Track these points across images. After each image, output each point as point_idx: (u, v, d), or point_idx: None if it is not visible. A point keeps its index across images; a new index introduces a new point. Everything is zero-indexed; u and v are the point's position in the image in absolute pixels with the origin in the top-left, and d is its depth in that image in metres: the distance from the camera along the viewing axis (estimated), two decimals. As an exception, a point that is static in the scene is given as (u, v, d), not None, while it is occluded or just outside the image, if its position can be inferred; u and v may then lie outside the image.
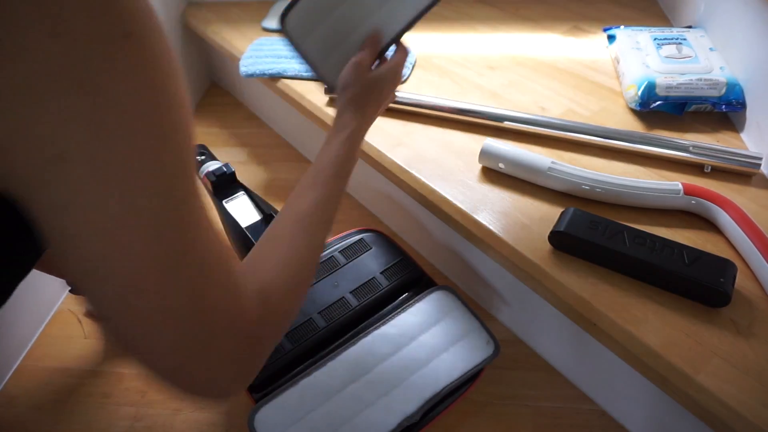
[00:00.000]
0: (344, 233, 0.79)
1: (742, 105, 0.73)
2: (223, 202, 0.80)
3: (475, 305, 0.80)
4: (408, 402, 0.61)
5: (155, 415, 0.68)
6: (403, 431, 0.59)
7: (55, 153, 0.24)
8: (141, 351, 0.30)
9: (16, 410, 0.71)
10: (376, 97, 0.56)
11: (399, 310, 0.68)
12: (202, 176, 0.82)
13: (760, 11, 0.72)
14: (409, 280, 0.73)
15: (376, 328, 0.67)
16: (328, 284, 0.71)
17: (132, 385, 0.73)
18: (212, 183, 0.79)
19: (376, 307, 0.70)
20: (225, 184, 0.81)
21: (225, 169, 0.80)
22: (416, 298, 0.70)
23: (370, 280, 0.72)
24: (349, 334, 0.67)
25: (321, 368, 0.63)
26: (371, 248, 0.76)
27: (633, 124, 0.76)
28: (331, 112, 0.84)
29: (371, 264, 0.74)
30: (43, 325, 0.80)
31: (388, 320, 0.67)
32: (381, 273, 0.72)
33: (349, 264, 0.74)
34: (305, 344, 0.65)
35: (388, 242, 0.78)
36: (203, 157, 0.85)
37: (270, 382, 0.62)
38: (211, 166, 0.82)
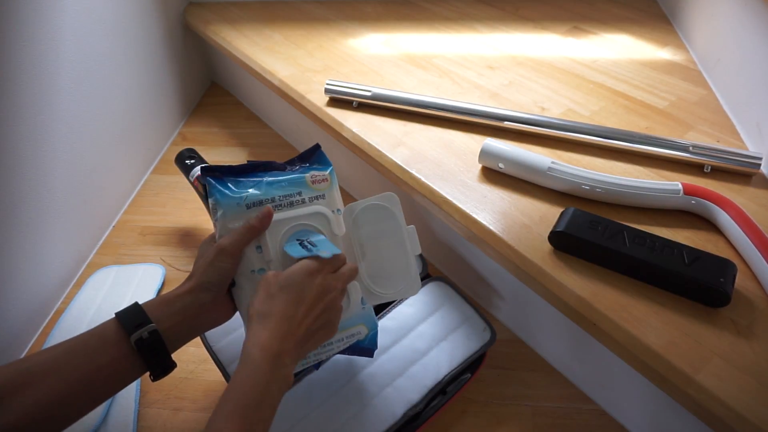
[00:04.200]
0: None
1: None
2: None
3: (475, 304, 0.80)
4: (411, 391, 0.61)
5: (155, 415, 0.68)
6: (408, 421, 0.60)
7: None
8: None
9: (16, 410, 0.71)
10: (284, 304, 0.47)
11: (395, 302, 0.69)
12: (193, 179, 0.82)
13: (758, 16, 0.72)
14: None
15: None
16: None
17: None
18: (204, 186, 0.79)
19: (380, 306, 0.70)
20: None
21: None
22: None
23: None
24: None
25: (323, 364, 0.63)
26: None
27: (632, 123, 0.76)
28: (332, 111, 0.84)
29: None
30: (42, 325, 0.80)
31: (386, 313, 0.68)
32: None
33: None
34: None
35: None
36: (193, 161, 0.85)
37: None
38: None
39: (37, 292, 0.79)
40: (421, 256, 0.75)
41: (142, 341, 0.47)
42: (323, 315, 0.49)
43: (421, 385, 0.62)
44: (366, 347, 0.59)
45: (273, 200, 0.54)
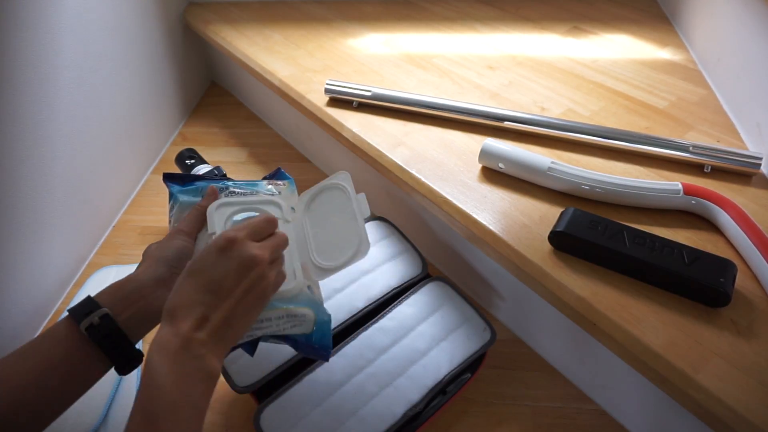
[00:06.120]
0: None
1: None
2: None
3: (475, 304, 0.80)
4: (411, 391, 0.61)
5: (155, 415, 0.68)
6: (408, 421, 0.60)
7: None
8: None
9: (16, 410, 0.71)
10: (191, 292, 0.40)
11: (395, 302, 0.69)
12: None
13: (758, 16, 0.72)
14: (418, 280, 0.73)
15: (374, 322, 0.67)
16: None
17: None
18: None
19: (380, 306, 0.70)
20: None
21: (216, 172, 0.80)
22: (411, 290, 0.71)
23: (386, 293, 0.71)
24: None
25: (322, 364, 0.63)
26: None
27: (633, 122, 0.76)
28: (332, 111, 0.84)
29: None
30: (42, 325, 0.80)
31: (386, 313, 0.68)
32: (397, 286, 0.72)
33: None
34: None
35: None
36: (193, 161, 0.85)
37: (274, 386, 0.62)
38: (202, 169, 0.82)
39: (37, 292, 0.79)
40: (420, 256, 0.75)
41: (93, 328, 0.42)
42: (251, 293, 0.42)
43: (421, 385, 0.62)
44: (316, 346, 0.51)
45: (227, 187, 0.54)
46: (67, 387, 0.43)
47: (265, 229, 0.46)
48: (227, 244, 0.42)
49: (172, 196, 0.56)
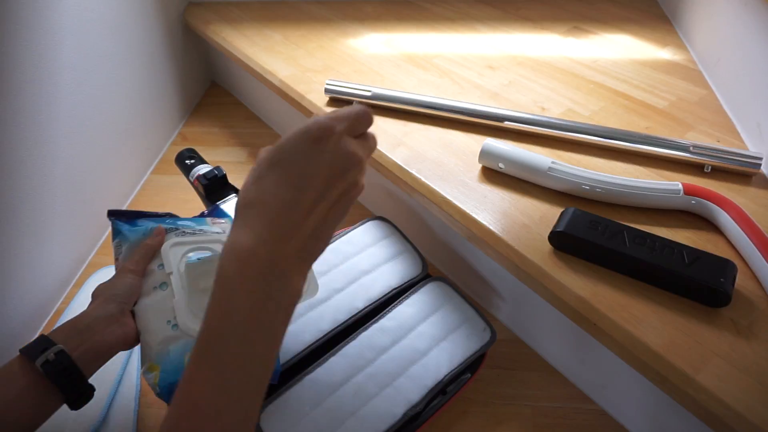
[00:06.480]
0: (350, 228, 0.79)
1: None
2: (217, 204, 0.80)
3: (475, 304, 0.80)
4: (411, 391, 0.61)
5: (155, 415, 0.68)
6: (408, 421, 0.60)
7: None
8: None
9: (16, 410, 0.71)
10: (276, 187, 0.32)
11: (395, 302, 0.69)
12: (193, 180, 0.82)
13: (758, 16, 0.72)
14: (418, 281, 0.73)
15: (374, 322, 0.67)
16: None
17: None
18: (204, 186, 0.79)
19: (380, 307, 0.70)
20: (217, 187, 0.81)
21: (216, 172, 0.80)
22: (411, 290, 0.71)
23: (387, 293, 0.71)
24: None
25: (322, 365, 0.63)
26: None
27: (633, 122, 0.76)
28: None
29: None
30: (42, 325, 0.80)
31: (386, 313, 0.68)
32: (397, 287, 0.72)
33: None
34: (308, 348, 0.65)
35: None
36: (193, 161, 0.85)
37: (274, 386, 0.62)
38: (202, 169, 0.82)
39: (37, 292, 0.79)
40: (420, 256, 0.75)
41: (48, 364, 0.43)
42: (343, 198, 0.33)
43: (421, 385, 0.62)
44: None
45: (177, 228, 0.57)
46: (22, 427, 0.43)
47: (363, 126, 0.36)
48: (323, 134, 0.32)
49: (118, 233, 0.57)
